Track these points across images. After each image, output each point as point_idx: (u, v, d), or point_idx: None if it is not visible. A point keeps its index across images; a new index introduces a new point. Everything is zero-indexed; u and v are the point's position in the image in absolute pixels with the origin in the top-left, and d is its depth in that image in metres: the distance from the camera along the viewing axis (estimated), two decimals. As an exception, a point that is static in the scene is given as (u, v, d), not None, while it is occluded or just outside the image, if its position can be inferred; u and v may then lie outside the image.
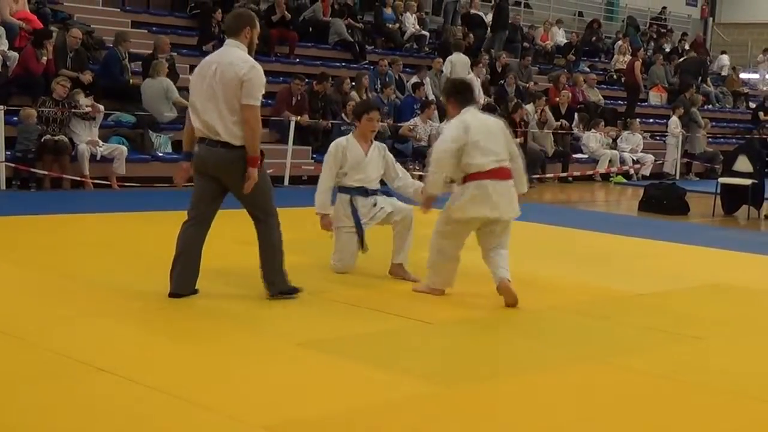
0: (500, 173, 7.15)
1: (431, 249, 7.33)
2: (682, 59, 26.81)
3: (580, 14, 29.31)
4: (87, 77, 14.19)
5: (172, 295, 6.60)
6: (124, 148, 13.56)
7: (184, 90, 14.98)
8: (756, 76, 30.26)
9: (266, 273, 6.78)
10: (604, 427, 4.73)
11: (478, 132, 7.08)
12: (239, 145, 6.47)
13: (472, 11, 23.49)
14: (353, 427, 4.51)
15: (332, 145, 8.10)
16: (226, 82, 6.41)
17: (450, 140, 7.08)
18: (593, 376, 5.59)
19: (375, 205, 7.99)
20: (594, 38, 26.32)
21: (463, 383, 5.27)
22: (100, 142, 13.46)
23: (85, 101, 13.52)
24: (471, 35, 21.45)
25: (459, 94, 7.38)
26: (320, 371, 5.35)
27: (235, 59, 6.47)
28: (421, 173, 16.62)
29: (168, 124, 14.60)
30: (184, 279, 6.65)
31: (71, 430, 4.25)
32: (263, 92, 6.55)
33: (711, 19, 34.07)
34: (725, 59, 29.83)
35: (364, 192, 7.99)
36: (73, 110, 13.30)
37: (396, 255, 7.91)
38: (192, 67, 16.71)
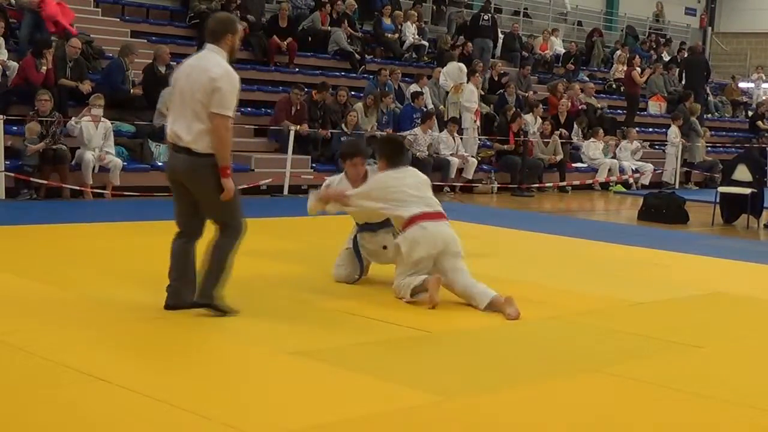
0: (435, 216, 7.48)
1: (403, 288, 7.31)
2: (687, 55, 26.82)
3: (579, 24, 29.34)
4: (86, 87, 14.21)
5: (167, 307, 6.54)
6: (119, 161, 13.56)
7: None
8: (752, 86, 30.30)
9: (203, 279, 6.53)
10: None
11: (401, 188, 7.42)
12: (205, 153, 6.28)
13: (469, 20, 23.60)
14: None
15: (325, 182, 8.03)
16: (198, 88, 6.24)
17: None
18: (593, 386, 5.58)
19: (385, 248, 7.83)
20: (593, 48, 26.37)
21: (462, 394, 5.26)
22: (104, 153, 13.46)
23: (98, 111, 13.51)
24: (470, 44, 21.46)
25: (393, 155, 7.61)
26: (317, 381, 5.33)
27: (211, 65, 6.31)
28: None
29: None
30: (176, 291, 6.56)
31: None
32: (236, 102, 6.36)
33: (710, 28, 34.11)
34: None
35: (370, 228, 7.89)
36: (83, 118, 13.36)
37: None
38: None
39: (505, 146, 18.38)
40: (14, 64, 14.06)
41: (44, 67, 13.79)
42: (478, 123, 18.84)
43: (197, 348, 5.85)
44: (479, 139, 18.79)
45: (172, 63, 15.75)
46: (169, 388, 4.97)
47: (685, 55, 26.99)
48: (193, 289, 6.55)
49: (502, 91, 20.68)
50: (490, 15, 22.69)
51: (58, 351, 5.54)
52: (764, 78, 29.68)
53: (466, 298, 7.33)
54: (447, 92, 19.21)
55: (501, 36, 23.86)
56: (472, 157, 18.10)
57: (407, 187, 7.42)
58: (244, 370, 5.44)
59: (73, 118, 13.53)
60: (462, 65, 19.48)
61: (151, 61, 15.36)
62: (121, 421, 4.50)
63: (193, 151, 6.27)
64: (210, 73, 6.23)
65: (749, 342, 7.02)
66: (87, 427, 4.42)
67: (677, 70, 25.87)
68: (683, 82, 25.15)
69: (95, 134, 13.45)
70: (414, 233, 7.29)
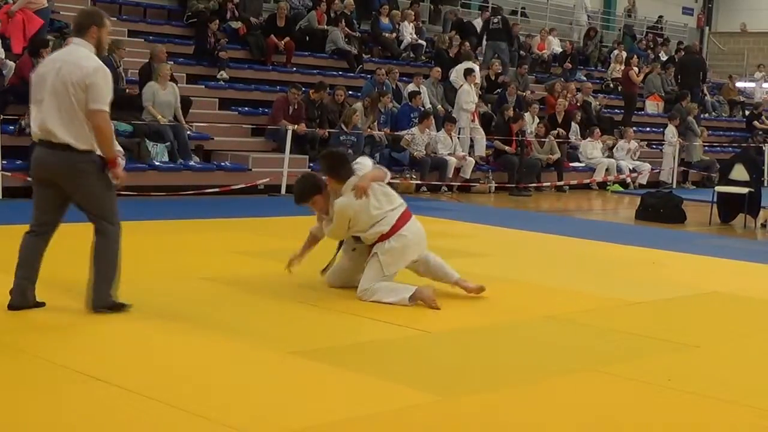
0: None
1: (378, 292, 7.25)
2: (682, 54, 26.89)
3: (577, 23, 29.34)
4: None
5: (11, 307, 6.33)
6: (123, 163, 13.54)
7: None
8: (752, 84, 30.31)
9: (95, 284, 6.37)
10: (601, 436, 4.73)
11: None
12: (82, 149, 6.17)
13: (465, 19, 23.58)
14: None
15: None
16: (70, 83, 6.09)
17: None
18: (589, 386, 5.59)
19: (354, 249, 7.68)
20: (589, 48, 26.39)
21: (461, 393, 5.27)
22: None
23: None
24: (467, 43, 21.47)
25: (335, 169, 7.49)
26: (316, 381, 5.34)
27: (82, 60, 6.16)
28: (418, 181, 16.71)
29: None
30: (23, 290, 6.36)
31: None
32: (111, 95, 6.21)
33: (707, 28, 34.13)
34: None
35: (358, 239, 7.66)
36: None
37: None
38: (189, 76, 16.93)
39: (507, 148, 18.38)
40: (11, 63, 14.04)
41: (41, 67, 13.77)
42: (476, 123, 18.84)
43: (195, 348, 5.85)
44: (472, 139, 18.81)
45: (169, 62, 15.78)
46: (166, 388, 4.98)
47: (681, 55, 27.03)
48: (34, 288, 6.39)
49: (500, 90, 20.69)
50: (500, 17, 22.75)
51: (56, 351, 5.54)
52: (765, 76, 29.65)
53: (438, 273, 7.55)
54: (455, 89, 19.23)
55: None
56: (471, 156, 18.12)
57: (369, 205, 7.30)
58: (242, 370, 5.45)
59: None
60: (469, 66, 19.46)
61: (147, 60, 15.36)
62: (119, 421, 4.50)
63: (73, 148, 6.15)
64: (82, 68, 6.11)
65: (746, 341, 7.03)
66: (85, 427, 4.42)
67: (673, 69, 25.91)
68: (678, 82, 25.17)
69: None
70: (399, 242, 7.31)
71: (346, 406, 4.92)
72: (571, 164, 19.99)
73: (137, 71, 15.35)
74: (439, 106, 19.21)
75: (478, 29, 23.67)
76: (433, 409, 4.95)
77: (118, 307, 6.39)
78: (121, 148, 13.95)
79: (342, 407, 4.89)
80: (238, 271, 8.10)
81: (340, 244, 7.69)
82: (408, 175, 16.78)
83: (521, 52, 23.83)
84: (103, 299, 6.34)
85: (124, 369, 5.28)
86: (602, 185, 19.97)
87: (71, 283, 6.77)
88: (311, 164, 15.95)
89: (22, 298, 6.34)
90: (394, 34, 21.38)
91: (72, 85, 6.08)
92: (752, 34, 33.50)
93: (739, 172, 14.80)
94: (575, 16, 28.61)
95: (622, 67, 24.25)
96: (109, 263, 6.38)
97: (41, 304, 6.39)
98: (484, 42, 22.88)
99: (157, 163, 14.23)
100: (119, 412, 4.62)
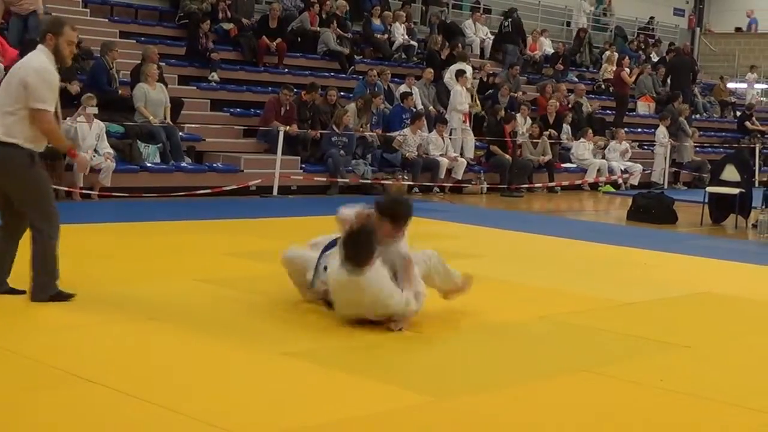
0: None
1: (442, 272, 7.01)
2: (672, 55, 26.96)
3: (568, 24, 29.38)
4: (75, 88, 14.17)
5: None
6: (112, 164, 13.53)
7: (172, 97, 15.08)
8: (742, 85, 30.37)
9: (36, 277, 6.62)
10: (593, 437, 4.74)
11: None
12: (10, 143, 6.44)
13: (457, 20, 23.59)
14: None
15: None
16: (11, 82, 6.48)
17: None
18: (582, 386, 5.60)
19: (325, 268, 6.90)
20: (579, 48, 26.43)
21: (454, 394, 5.27)
22: (107, 153, 13.45)
23: (92, 110, 13.50)
24: (459, 45, 21.48)
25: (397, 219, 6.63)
26: (308, 381, 5.34)
27: (29, 61, 6.56)
28: (410, 182, 16.71)
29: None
30: None
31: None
32: (52, 95, 6.49)
33: (698, 29, 34.19)
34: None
35: None
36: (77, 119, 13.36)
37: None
38: (180, 77, 16.92)
39: (500, 152, 18.39)
40: (1, 67, 14.01)
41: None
42: (467, 124, 18.86)
43: (187, 349, 5.85)
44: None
45: (161, 63, 15.78)
46: (157, 389, 4.97)
47: (672, 56, 27.08)
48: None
49: (491, 91, 20.71)
50: (510, 20, 22.83)
51: (45, 351, 5.53)
52: (756, 78, 29.69)
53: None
54: (448, 91, 19.29)
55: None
56: (462, 157, 18.14)
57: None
58: (236, 371, 5.44)
59: (68, 118, 13.50)
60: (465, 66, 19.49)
61: (139, 62, 15.34)
62: (110, 423, 4.50)
63: (3, 142, 6.45)
64: (26, 69, 6.48)
65: (737, 342, 7.05)
66: (75, 428, 4.42)
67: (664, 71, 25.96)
68: (668, 84, 25.21)
69: (89, 134, 13.45)
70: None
71: (339, 407, 4.92)
72: (562, 165, 20.02)
73: (129, 72, 15.34)
74: (431, 107, 19.22)
75: (467, 31, 23.70)
76: (426, 410, 4.95)
77: (63, 297, 6.65)
78: (111, 150, 14.11)
79: (335, 408, 4.89)
80: (230, 272, 8.09)
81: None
82: (400, 176, 16.79)
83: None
84: (47, 291, 6.61)
85: (116, 370, 5.26)
86: (594, 186, 20.00)
87: (64, 284, 6.77)
88: (303, 165, 15.96)
89: None
90: (386, 35, 21.38)
91: (12, 84, 6.45)
92: (743, 34, 33.58)
93: (731, 173, 14.83)
94: (573, 19, 28.63)
95: (614, 68, 24.28)
96: (47, 259, 6.58)
97: (42, 300, 6.60)
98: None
99: (148, 165, 14.22)
100: (110, 413, 4.61)
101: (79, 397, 4.84)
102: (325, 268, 6.62)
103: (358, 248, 6.22)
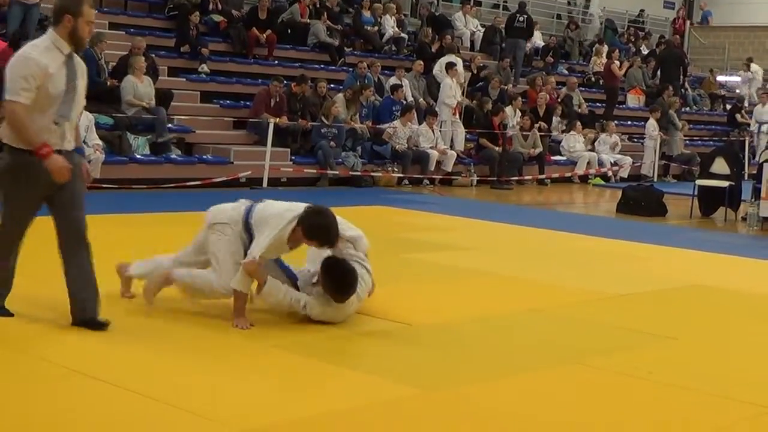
0: None
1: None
2: (662, 47, 27.00)
3: (558, 17, 29.39)
4: (64, 79, 14.12)
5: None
6: (102, 156, 13.49)
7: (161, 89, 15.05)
8: (733, 78, 30.38)
9: None
10: (581, 428, 4.75)
11: None
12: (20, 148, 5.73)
13: (447, 13, 23.56)
14: (333, 429, 4.52)
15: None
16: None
17: None
18: (571, 378, 5.62)
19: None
20: (568, 40, 26.46)
21: (442, 386, 5.28)
22: (97, 145, 13.41)
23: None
24: (448, 37, 21.46)
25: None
26: (298, 374, 5.35)
27: (21, 50, 5.82)
28: (399, 174, 16.71)
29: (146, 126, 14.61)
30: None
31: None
32: (28, 85, 5.61)
33: (688, 21, 34.22)
34: (756, 68, 29.76)
35: None
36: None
37: None
38: (170, 69, 16.87)
39: (489, 145, 18.40)
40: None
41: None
42: (457, 117, 18.88)
43: (178, 341, 5.84)
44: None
45: (151, 54, 15.74)
46: (152, 383, 4.97)
47: (662, 49, 27.12)
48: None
49: (481, 84, 20.72)
50: (525, 16, 22.84)
51: (45, 348, 5.52)
52: (751, 72, 29.65)
53: None
54: (438, 83, 19.31)
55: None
56: (452, 149, 18.15)
57: None
58: (225, 363, 5.45)
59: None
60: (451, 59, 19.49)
61: (127, 53, 15.30)
62: (106, 415, 4.50)
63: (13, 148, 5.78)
64: (12, 58, 5.74)
65: (726, 334, 7.08)
66: (62, 417, 4.42)
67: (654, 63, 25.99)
68: (658, 76, 25.24)
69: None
70: None
71: (328, 400, 4.93)
72: (552, 158, 20.04)
73: (116, 63, 15.30)
74: (421, 99, 19.22)
75: (457, 24, 23.69)
76: (415, 402, 4.96)
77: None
78: (100, 141, 14.08)
79: (323, 400, 4.90)
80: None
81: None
82: (390, 168, 16.79)
83: (503, 44, 23.84)
84: None
85: (109, 365, 5.26)
86: (584, 179, 20.03)
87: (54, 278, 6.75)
88: (293, 157, 15.94)
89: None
90: (376, 28, 21.37)
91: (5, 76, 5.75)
92: (734, 28, 33.62)
93: (720, 166, 14.87)
94: (588, 17, 28.68)
95: (604, 61, 24.30)
96: None
97: None
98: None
99: (138, 156, 14.19)
100: (105, 406, 4.61)
101: (75, 391, 4.84)
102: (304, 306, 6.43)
103: (350, 283, 6.33)
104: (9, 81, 5.63)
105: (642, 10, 32.05)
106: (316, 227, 6.17)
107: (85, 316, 5.87)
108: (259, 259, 6.15)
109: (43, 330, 5.89)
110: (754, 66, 29.28)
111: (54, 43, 5.73)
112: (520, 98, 20.45)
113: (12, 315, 5.97)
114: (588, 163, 20.10)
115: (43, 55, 5.69)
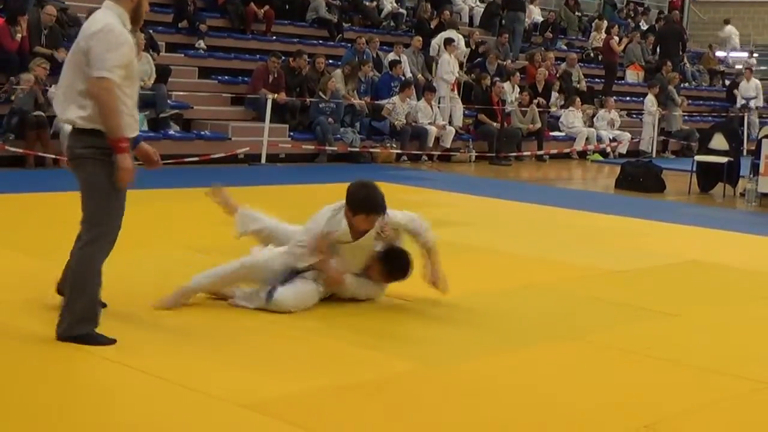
0: None
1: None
2: (661, 23, 26.93)
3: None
4: (62, 55, 14.06)
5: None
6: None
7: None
8: (734, 54, 30.29)
9: (62, 307, 5.26)
10: (579, 404, 4.76)
11: None
12: (85, 128, 5.16)
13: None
14: (332, 404, 4.53)
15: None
16: (75, 49, 5.23)
17: None
18: (568, 354, 5.63)
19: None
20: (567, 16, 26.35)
21: (441, 362, 5.30)
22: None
23: None
24: (446, 12, 21.38)
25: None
26: (299, 348, 5.35)
27: (90, 23, 5.26)
28: (398, 150, 16.70)
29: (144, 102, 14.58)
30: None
31: (51, 406, 4.25)
32: (120, 62, 5.11)
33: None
34: (731, 29, 29.73)
35: None
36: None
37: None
38: (168, 45, 16.78)
39: (488, 121, 18.37)
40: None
41: (19, 35, 13.67)
42: (455, 92, 18.84)
43: (175, 314, 5.84)
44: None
45: (149, 30, 15.69)
46: (147, 357, 4.98)
47: (662, 24, 27.03)
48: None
49: (479, 59, 20.66)
50: None
51: (41, 324, 5.52)
52: (725, 31, 29.61)
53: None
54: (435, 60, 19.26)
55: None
56: (450, 125, 18.13)
57: None
58: (223, 338, 5.45)
59: (53, 86, 13.41)
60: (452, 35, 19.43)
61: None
62: (102, 390, 4.51)
63: (75, 128, 5.25)
64: (86, 32, 5.21)
65: (725, 310, 7.09)
66: (66, 393, 4.43)
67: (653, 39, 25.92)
68: (657, 52, 25.17)
69: None
70: None
71: (326, 375, 4.93)
72: (551, 133, 20.01)
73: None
74: (420, 75, 19.17)
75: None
76: (414, 378, 4.98)
77: (87, 340, 5.13)
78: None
79: (322, 375, 4.91)
80: (216, 241, 8.06)
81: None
82: (388, 145, 16.76)
83: (502, 21, 23.75)
84: (64, 328, 5.16)
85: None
86: (582, 154, 20.01)
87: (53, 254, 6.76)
88: (291, 133, 15.91)
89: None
90: (375, 3, 21.29)
91: (76, 51, 5.22)
92: (733, 3, 33.50)
93: (719, 142, 14.86)
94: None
95: (603, 36, 24.23)
96: (74, 285, 5.25)
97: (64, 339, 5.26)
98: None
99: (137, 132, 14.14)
100: (101, 381, 4.62)
101: (71, 365, 4.85)
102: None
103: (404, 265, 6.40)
104: (97, 56, 5.07)
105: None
106: (358, 199, 6.15)
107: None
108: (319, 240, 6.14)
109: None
110: (728, 27, 29.29)
111: (120, 17, 5.24)
112: (518, 74, 20.40)
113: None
114: (587, 138, 20.08)
115: (125, 28, 5.25)
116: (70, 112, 5.20)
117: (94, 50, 5.08)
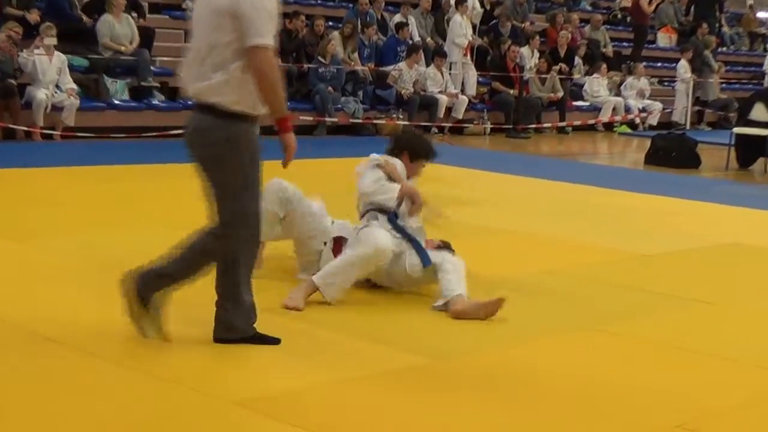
0: None
1: None
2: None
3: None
4: (34, 16, 14.05)
5: None
6: (76, 101, 13.45)
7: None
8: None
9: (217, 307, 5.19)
10: (602, 401, 4.76)
11: None
12: (224, 109, 4.90)
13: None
14: (341, 398, 4.54)
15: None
16: (212, 11, 4.82)
17: None
18: (591, 346, 5.63)
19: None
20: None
21: (451, 355, 5.30)
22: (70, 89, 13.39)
23: (51, 40, 13.37)
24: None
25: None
26: (302, 342, 5.36)
27: None
28: (405, 122, 16.68)
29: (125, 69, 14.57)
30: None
31: (25, 403, 4.26)
32: (275, 26, 4.86)
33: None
34: None
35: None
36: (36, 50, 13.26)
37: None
38: (151, 5, 16.74)
39: (504, 87, 18.33)
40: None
41: (-14, -5, 13.67)
42: (468, 58, 18.78)
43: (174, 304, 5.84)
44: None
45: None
46: (133, 351, 5.01)
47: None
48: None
49: (495, 21, 20.61)
50: None
51: (9, 310, 5.52)
52: None
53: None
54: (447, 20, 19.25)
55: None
56: (463, 94, 18.09)
57: None
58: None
59: (24, 51, 13.41)
60: None
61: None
62: (71, 383, 4.52)
63: (209, 107, 4.92)
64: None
65: (763, 297, 7.07)
66: (38, 388, 4.44)
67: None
68: (692, 13, 25.08)
69: (49, 68, 13.34)
70: None
71: (337, 369, 4.94)
72: (574, 103, 19.97)
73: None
74: (429, 38, 19.12)
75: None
76: (422, 372, 4.99)
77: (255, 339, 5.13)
78: (74, 86, 14.03)
79: (332, 369, 4.92)
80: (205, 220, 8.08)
81: None
82: (394, 116, 16.74)
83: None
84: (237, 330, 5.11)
85: (84, 331, 5.26)
86: (608, 126, 19.99)
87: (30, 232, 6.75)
88: (289, 102, 15.83)
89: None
90: (379, -41, 21.23)
91: (214, 13, 4.81)
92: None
93: (760, 112, 14.82)
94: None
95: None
96: (228, 288, 5.15)
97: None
98: None
99: (116, 102, 14.16)
100: (82, 377, 4.63)
101: (44, 358, 4.86)
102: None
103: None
104: (252, 22, 4.73)
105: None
106: (424, 145, 6.85)
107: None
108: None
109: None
110: None
111: None
112: (538, 37, 20.33)
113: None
114: (613, 109, 20.04)
115: None
116: (215, 91, 4.86)
117: (247, 14, 4.73)
